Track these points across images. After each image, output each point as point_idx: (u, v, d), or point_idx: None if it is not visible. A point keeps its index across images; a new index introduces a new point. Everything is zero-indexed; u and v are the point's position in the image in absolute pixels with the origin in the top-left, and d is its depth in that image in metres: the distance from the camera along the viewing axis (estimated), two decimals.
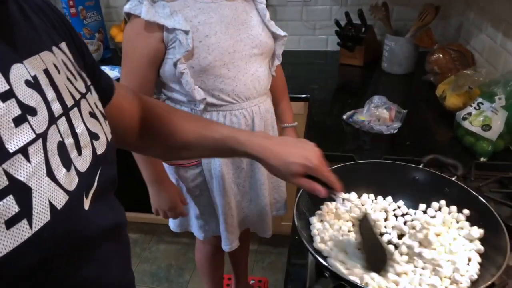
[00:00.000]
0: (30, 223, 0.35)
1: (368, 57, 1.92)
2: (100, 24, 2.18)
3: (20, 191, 0.34)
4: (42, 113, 0.39)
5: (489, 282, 0.62)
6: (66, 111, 0.43)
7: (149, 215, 1.29)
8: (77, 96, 0.47)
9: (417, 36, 1.73)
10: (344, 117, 1.39)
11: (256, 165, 1.22)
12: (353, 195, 0.88)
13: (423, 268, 0.71)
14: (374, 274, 0.68)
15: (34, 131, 0.37)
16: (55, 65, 0.44)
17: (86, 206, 0.43)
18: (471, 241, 0.75)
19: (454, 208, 0.82)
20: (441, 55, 1.60)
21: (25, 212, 0.35)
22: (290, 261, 0.82)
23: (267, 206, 1.30)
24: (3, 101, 0.35)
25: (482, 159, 1.12)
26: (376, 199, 0.88)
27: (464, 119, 1.19)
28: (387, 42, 1.82)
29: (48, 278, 0.39)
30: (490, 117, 1.12)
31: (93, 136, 0.47)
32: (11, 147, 0.35)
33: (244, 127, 1.15)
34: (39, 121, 0.38)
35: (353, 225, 0.82)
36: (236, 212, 1.27)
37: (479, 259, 0.71)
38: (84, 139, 0.45)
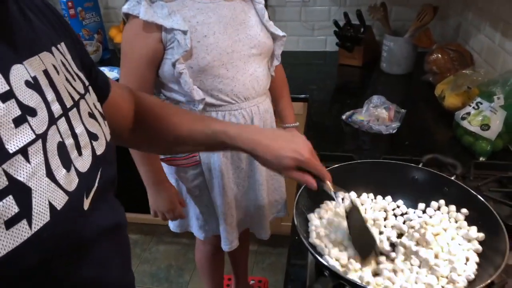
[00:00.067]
0: (29, 224, 0.35)
1: (367, 57, 1.92)
2: (99, 25, 2.18)
3: (20, 192, 0.35)
4: (42, 113, 0.39)
5: (487, 282, 0.62)
6: (65, 111, 0.43)
7: (149, 216, 1.29)
8: (76, 97, 0.47)
9: (416, 36, 1.73)
10: (343, 117, 1.39)
11: (256, 165, 1.22)
12: (352, 195, 0.88)
13: (419, 267, 0.71)
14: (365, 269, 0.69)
15: (34, 131, 0.37)
16: (54, 66, 0.44)
17: (86, 207, 0.43)
18: (469, 241, 0.75)
19: (453, 207, 0.82)
20: (439, 55, 1.60)
21: (25, 212, 0.35)
22: (290, 261, 0.82)
23: (265, 208, 1.30)
24: (3, 102, 0.35)
25: (481, 159, 1.12)
26: (375, 198, 0.88)
27: (463, 118, 1.19)
28: (386, 42, 1.82)
29: (48, 278, 0.39)
30: (489, 116, 1.13)
31: (92, 137, 0.47)
32: (11, 147, 0.35)
33: None
34: (39, 122, 0.38)
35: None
36: (236, 211, 1.27)
37: (477, 259, 0.71)
38: (84, 139, 0.45)
